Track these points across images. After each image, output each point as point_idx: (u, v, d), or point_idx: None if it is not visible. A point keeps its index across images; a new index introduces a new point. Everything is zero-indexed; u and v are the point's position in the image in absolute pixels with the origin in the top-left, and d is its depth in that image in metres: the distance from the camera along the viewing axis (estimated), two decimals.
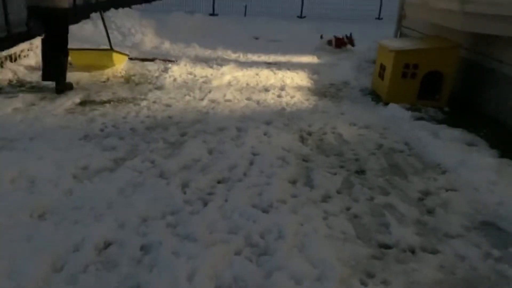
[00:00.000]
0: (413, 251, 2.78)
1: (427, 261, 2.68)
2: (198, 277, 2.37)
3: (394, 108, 5.43)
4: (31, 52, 6.98)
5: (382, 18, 14.42)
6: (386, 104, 5.67)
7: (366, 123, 5.00)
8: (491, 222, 3.13)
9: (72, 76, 6.41)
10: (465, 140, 4.48)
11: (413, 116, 5.18)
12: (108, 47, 7.00)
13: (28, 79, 6.19)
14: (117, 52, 7.16)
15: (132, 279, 2.39)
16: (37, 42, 7.20)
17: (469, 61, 5.88)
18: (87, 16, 9.90)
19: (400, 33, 8.68)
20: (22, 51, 6.76)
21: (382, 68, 6.07)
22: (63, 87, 5.66)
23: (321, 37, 10.03)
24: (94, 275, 2.40)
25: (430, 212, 3.25)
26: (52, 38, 5.53)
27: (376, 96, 6.18)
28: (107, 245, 2.67)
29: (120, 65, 7.26)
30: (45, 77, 5.65)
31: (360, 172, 3.87)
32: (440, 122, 5.12)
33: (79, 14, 9.67)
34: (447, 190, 3.56)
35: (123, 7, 11.09)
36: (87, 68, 6.82)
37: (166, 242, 2.67)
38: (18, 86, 5.84)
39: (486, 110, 5.47)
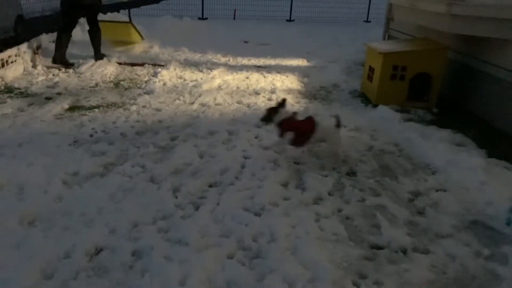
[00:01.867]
0: (404, 252, 2.79)
1: (419, 261, 2.70)
2: (190, 281, 2.36)
3: (383, 110, 5.47)
4: (18, 58, 6.90)
5: (370, 21, 14.55)
6: (376, 106, 5.71)
7: (356, 125, 5.03)
8: (481, 221, 3.17)
9: (61, 82, 6.38)
10: (453, 141, 4.53)
11: (402, 118, 5.23)
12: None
13: (16, 85, 6.13)
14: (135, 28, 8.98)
15: (124, 284, 2.37)
16: (24, 48, 7.14)
17: (457, 62, 5.95)
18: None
19: (388, 35, 8.75)
20: (9, 57, 6.69)
21: (371, 70, 6.12)
22: (101, 56, 7.68)
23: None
24: (86, 282, 2.38)
25: (420, 212, 3.28)
26: (91, 23, 7.57)
27: (365, 98, 6.22)
28: (98, 251, 2.65)
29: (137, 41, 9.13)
30: (54, 61, 7.24)
31: (351, 173, 3.88)
32: (429, 123, 5.17)
33: None
34: (437, 191, 3.60)
35: (111, 11, 11.04)
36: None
37: (158, 247, 2.66)
38: (6, 92, 5.78)
39: (474, 110, 5.54)
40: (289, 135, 3.85)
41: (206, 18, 13.42)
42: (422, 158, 4.20)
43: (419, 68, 5.63)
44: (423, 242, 2.90)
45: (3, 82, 6.15)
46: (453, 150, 4.28)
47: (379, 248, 2.83)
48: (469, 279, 2.57)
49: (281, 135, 3.90)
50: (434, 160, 4.09)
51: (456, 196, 3.49)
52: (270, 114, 3.90)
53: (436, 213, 3.25)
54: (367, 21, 14.69)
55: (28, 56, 7.12)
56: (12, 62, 6.72)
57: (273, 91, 6.39)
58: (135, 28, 9.10)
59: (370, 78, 6.16)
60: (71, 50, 7.58)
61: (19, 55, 6.93)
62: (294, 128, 3.87)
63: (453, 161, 3.98)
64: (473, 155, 4.16)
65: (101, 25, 7.80)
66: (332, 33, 11.67)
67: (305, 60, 8.87)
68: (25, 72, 6.77)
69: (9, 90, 5.90)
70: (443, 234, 2.99)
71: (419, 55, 5.62)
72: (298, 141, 3.91)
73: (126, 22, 9.08)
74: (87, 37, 7.75)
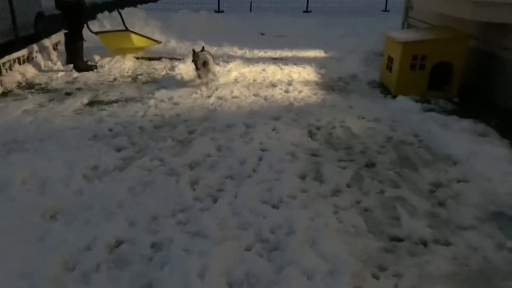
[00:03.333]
0: (425, 244, 2.75)
1: (440, 253, 2.66)
2: (209, 273, 2.37)
3: (403, 101, 5.38)
4: (39, 54, 7.02)
5: (388, 10, 14.28)
6: (395, 96, 5.62)
7: (375, 116, 4.97)
8: (504, 213, 3.10)
9: (80, 78, 6.47)
10: (475, 131, 4.43)
11: (422, 108, 5.13)
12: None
13: (37, 81, 6.24)
14: (136, 34, 7.87)
15: (144, 277, 2.40)
16: (45, 44, 7.26)
17: (478, 51, 5.80)
18: (93, 17, 9.95)
19: (407, 24, 8.58)
20: (30, 53, 6.81)
21: (390, 60, 6.01)
22: (81, 67, 6.82)
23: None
24: (106, 274, 2.42)
25: (441, 204, 3.22)
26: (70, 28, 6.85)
27: (384, 89, 6.13)
28: (119, 243, 2.68)
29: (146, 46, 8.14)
30: (68, 61, 6.97)
31: (370, 165, 3.84)
32: (450, 113, 5.06)
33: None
34: (458, 182, 3.53)
35: (128, 6, 11.12)
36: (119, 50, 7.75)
37: (177, 239, 2.68)
38: (27, 88, 5.89)
39: (496, 100, 5.40)
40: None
41: (222, 11, 13.38)
42: (443, 148, 4.12)
43: (440, 57, 5.51)
44: (444, 234, 2.85)
45: (24, 78, 6.27)
46: (475, 140, 4.18)
47: (399, 240, 2.79)
48: (492, 272, 2.51)
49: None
50: (455, 151, 4.01)
51: (478, 187, 3.42)
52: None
53: (458, 205, 3.19)
54: (385, 10, 14.42)
55: (48, 53, 7.24)
56: (32, 58, 6.85)
57: (290, 83, 6.35)
58: (137, 34, 7.92)
59: (389, 68, 6.07)
60: (90, 47, 7.65)
61: (39, 52, 7.05)
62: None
63: (475, 152, 3.90)
64: (496, 145, 4.06)
65: (103, 37, 7.56)
66: (350, 23, 11.49)
67: (322, 51, 8.77)
68: (45, 68, 6.87)
69: (30, 86, 6.01)
70: (465, 226, 2.94)
71: (439, 44, 5.50)
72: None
73: (123, 31, 7.67)
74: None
